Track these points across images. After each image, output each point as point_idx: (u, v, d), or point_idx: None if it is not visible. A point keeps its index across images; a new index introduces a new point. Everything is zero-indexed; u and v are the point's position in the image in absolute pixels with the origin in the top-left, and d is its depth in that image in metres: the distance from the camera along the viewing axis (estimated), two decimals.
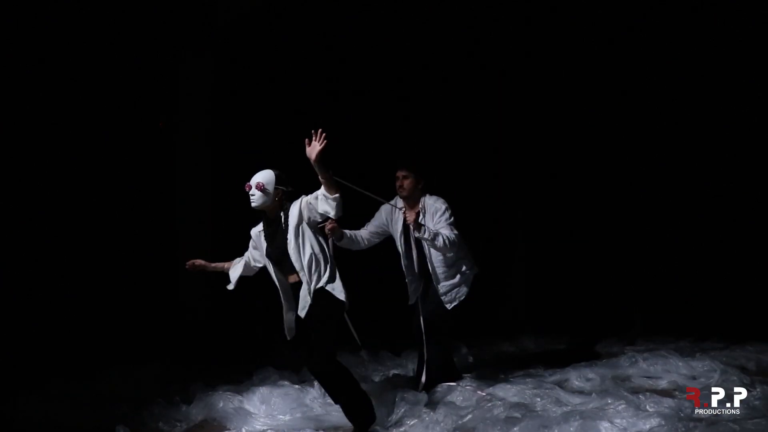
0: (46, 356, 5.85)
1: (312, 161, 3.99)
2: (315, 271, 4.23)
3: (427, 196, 5.07)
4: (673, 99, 7.68)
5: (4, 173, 6.07)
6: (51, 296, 6.28)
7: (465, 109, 8.14)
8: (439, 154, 7.84)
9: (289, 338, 4.44)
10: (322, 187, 4.08)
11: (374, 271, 5.53)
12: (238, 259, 4.63)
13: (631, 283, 7.83)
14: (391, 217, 5.16)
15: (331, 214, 4.11)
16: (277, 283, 4.41)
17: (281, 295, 4.41)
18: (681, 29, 7.39)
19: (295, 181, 4.40)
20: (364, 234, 5.16)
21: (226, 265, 4.65)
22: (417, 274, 5.14)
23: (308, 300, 4.23)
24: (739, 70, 7.33)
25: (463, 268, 5.12)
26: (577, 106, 8.00)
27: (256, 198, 4.26)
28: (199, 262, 4.62)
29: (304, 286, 4.25)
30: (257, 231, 4.45)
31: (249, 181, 4.27)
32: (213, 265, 4.65)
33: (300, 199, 4.29)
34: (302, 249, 4.24)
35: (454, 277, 5.08)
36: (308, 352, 4.32)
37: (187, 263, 4.61)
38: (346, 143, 7.72)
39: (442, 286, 5.08)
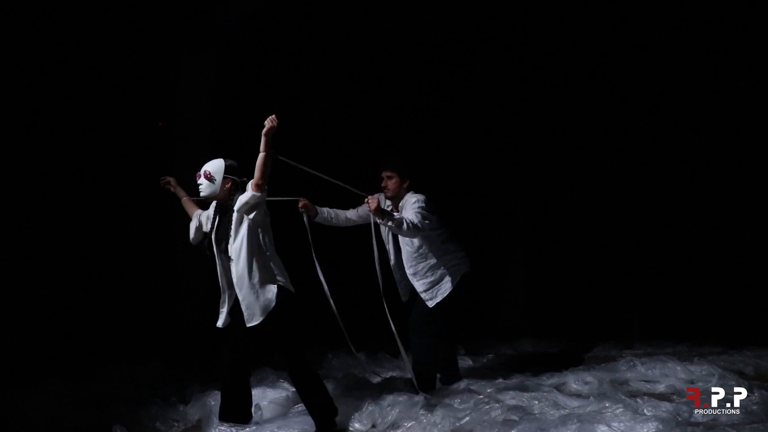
0: (44, 356, 5.84)
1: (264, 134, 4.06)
2: (254, 272, 4.14)
3: (410, 194, 5.06)
4: (672, 102, 7.68)
5: (3, 173, 6.07)
6: (49, 296, 6.28)
7: (466, 111, 8.14)
8: (439, 156, 7.85)
9: (221, 326, 4.37)
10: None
11: (372, 272, 5.52)
12: (198, 211, 4.55)
13: (630, 286, 7.83)
14: None
15: (242, 208, 4.10)
16: (219, 270, 4.34)
17: (221, 283, 4.35)
18: (680, 31, 7.38)
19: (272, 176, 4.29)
20: (349, 214, 5.16)
21: (185, 198, 4.64)
22: (402, 271, 5.17)
23: (254, 308, 4.16)
24: (739, 73, 7.33)
25: (446, 264, 5.11)
26: (578, 108, 8.00)
27: (203, 187, 4.26)
28: (171, 180, 4.68)
29: (245, 290, 4.16)
30: (211, 210, 4.43)
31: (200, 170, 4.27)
32: (180, 189, 4.67)
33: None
34: (240, 248, 4.14)
35: (433, 274, 5.08)
36: (279, 356, 4.38)
37: (162, 179, 4.67)
38: (346, 141, 7.81)
39: (421, 284, 5.09)
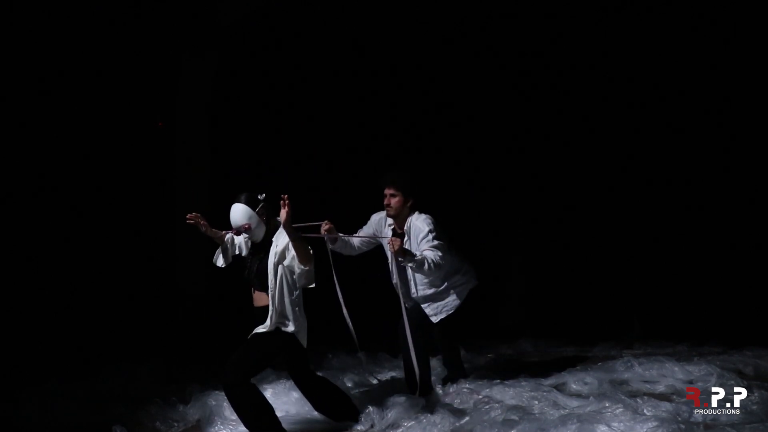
0: (44, 356, 5.85)
1: (283, 226, 4.05)
2: (282, 310, 4.19)
3: (415, 215, 4.91)
4: (670, 104, 7.67)
5: (3, 172, 6.07)
6: (50, 296, 6.29)
7: (463, 118, 8.15)
8: (438, 159, 7.85)
9: None
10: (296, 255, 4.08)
11: (370, 273, 5.52)
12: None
13: (630, 287, 7.83)
14: (381, 228, 5.09)
15: (299, 282, 4.15)
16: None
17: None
18: (680, 34, 7.39)
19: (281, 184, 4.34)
20: (356, 241, 5.05)
21: (221, 233, 4.48)
22: (406, 288, 5.08)
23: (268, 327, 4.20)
24: (739, 76, 7.32)
25: (453, 285, 5.05)
26: (578, 110, 8.00)
27: (253, 235, 4.27)
28: (198, 218, 4.40)
29: (270, 317, 4.19)
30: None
31: (234, 227, 4.25)
32: (211, 230, 4.45)
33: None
34: (278, 285, 4.18)
35: (441, 297, 5.03)
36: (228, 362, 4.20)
37: (189, 216, 4.40)
38: (346, 145, 7.82)
39: (426, 305, 5.03)
